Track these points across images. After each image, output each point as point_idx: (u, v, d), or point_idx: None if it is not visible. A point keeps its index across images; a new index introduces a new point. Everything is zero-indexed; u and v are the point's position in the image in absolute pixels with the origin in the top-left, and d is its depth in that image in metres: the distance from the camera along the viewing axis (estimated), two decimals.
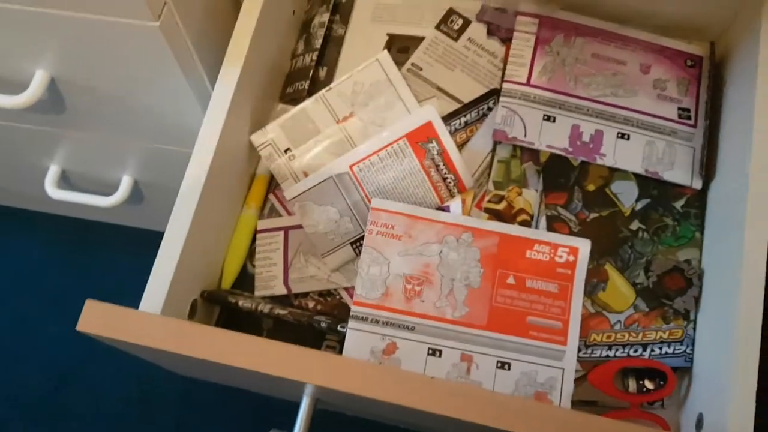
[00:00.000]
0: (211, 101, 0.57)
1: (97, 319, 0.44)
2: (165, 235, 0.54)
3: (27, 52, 0.60)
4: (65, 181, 0.85)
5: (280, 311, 0.58)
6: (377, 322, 0.57)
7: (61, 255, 1.09)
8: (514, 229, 0.59)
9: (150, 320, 0.44)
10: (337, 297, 0.61)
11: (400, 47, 0.69)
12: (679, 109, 0.64)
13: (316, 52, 0.68)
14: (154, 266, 0.53)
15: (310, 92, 0.67)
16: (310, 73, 0.67)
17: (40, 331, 1.05)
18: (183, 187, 0.55)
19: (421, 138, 0.60)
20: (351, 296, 0.61)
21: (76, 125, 0.71)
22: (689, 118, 0.64)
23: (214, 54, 0.63)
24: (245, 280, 0.63)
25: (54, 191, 0.80)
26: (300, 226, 0.62)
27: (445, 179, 0.60)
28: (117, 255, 1.08)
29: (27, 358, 1.03)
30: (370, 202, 0.60)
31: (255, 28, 0.60)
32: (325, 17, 0.69)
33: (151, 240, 1.05)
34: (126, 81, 0.62)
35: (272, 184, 0.66)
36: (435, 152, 0.60)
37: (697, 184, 0.62)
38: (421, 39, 0.69)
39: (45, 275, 1.08)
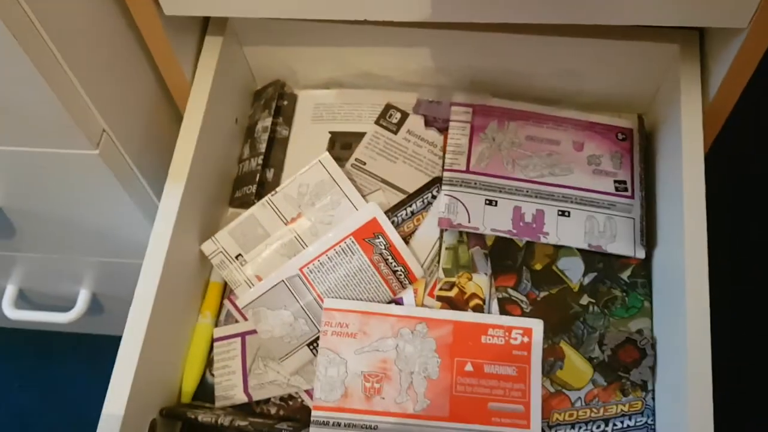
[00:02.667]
0: (158, 216, 0.58)
1: None
2: (117, 357, 0.54)
3: None
4: (22, 299, 0.84)
5: (240, 423, 0.58)
6: (339, 425, 0.56)
7: (22, 369, 1.07)
8: (467, 316, 0.60)
9: None
10: (299, 400, 0.61)
11: (343, 144, 0.71)
12: (615, 182, 0.67)
13: (261, 156, 0.70)
14: (108, 392, 0.53)
15: (259, 195, 0.68)
16: (257, 177, 0.69)
17: None
18: (133, 304, 0.56)
19: (367, 234, 0.61)
20: (312, 398, 0.60)
21: (28, 247, 0.71)
22: (626, 190, 0.66)
23: (158, 168, 0.65)
24: (205, 391, 0.63)
25: (12, 312, 0.79)
26: (257, 331, 0.63)
27: (395, 272, 0.61)
28: (80, 364, 1.06)
29: None
30: (323, 302, 0.60)
31: (197, 140, 0.61)
32: (268, 121, 0.71)
33: (114, 347, 1.04)
34: (72, 204, 0.62)
35: (226, 291, 0.67)
36: (382, 247, 0.61)
37: (640, 254, 0.63)
38: (362, 135, 0.71)
39: (7, 391, 1.05)
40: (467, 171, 0.66)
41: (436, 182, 0.67)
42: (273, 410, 0.61)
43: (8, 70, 0.46)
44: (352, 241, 0.61)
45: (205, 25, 0.67)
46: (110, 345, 1.04)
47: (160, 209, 0.59)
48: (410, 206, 0.66)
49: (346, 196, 0.65)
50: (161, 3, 0.55)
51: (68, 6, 0.50)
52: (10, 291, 0.80)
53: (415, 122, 0.71)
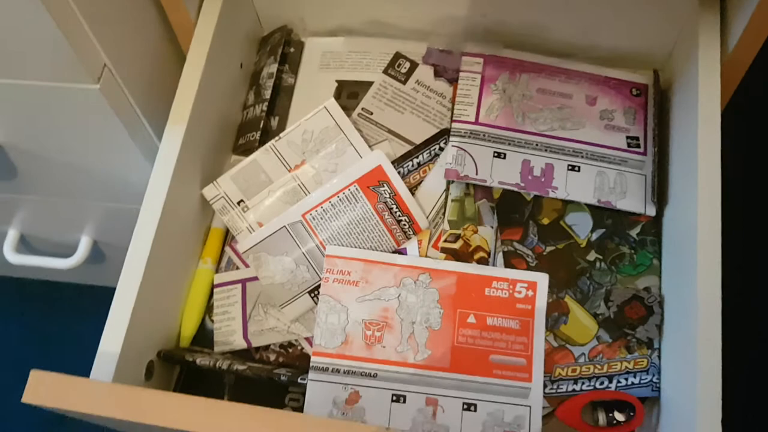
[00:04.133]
0: (158, 159, 0.57)
1: (44, 390, 0.43)
2: (114, 297, 0.53)
3: None
4: (24, 244, 0.83)
5: (239, 367, 0.57)
6: (338, 371, 0.56)
7: (23, 320, 1.07)
8: (471, 268, 0.59)
9: (96, 388, 0.43)
10: (299, 348, 0.60)
11: (350, 93, 0.69)
12: (628, 138, 0.65)
13: (266, 103, 0.68)
14: (105, 330, 0.52)
15: (262, 142, 0.67)
16: (261, 124, 0.67)
17: (3, 401, 1.02)
18: (131, 247, 0.55)
19: (372, 182, 0.60)
20: (311, 345, 0.60)
21: (28, 189, 0.70)
22: (638, 146, 0.65)
23: (160, 109, 0.63)
24: (205, 337, 0.62)
25: (13, 256, 0.78)
26: (257, 278, 0.62)
27: (399, 222, 0.60)
28: (81, 315, 1.06)
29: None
30: (325, 249, 0.59)
31: (199, 83, 0.60)
32: (273, 68, 0.69)
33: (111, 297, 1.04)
34: (73, 143, 0.61)
35: (228, 237, 0.66)
36: (387, 195, 0.60)
37: (651, 211, 0.62)
38: (369, 84, 0.69)
39: (7, 342, 1.05)
40: (476, 122, 0.65)
41: (444, 134, 0.66)
42: (272, 357, 0.60)
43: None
44: (357, 189, 0.60)
45: None
46: (111, 297, 1.04)
47: (160, 152, 0.58)
48: (417, 157, 0.65)
49: (352, 144, 0.64)
50: None
51: None
52: (12, 235, 0.80)
53: (424, 72, 0.69)
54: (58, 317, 1.07)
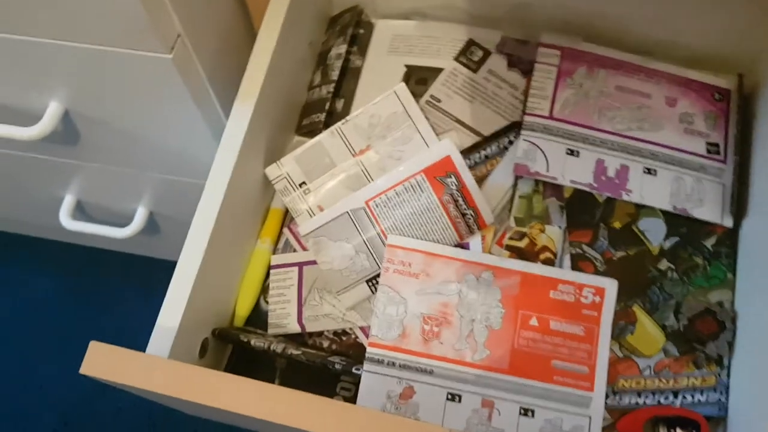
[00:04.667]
0: (224, 136, 0.56)
1: (101, 362, 0.42)
2: (175, 272, 0.52)
3: (40, 84, 0.59)
4: (80, 211, 0.84)
5: (293, 351, 0.56)
6: (393, 364, 0.54)
7: (72, 285, 1.08)
8: (537, 268, 0.57)
9: (155, 364, 0.42)
10: (353, 336, 0.59)
11: (418, 79, 0.67)
12: (708, 144, 0.62)
13: (333, 84, 0.67)
14: (164, 305, 0.51)
15: (327, 124, 0.65)
16: (327, 105, 0.66)
17: (46, 365, 1.03)
18: (194, 222, 0.54)
19: (439, 173, 0.58)
20: (367, 336, 0.58)
21: (90, 157, 0.70)
22: (718, 153, 0.62)
23: (229, 85, 0.62)
24: (258, 317, 0.61)
25: (69, 222, 0.79)
26: (315, 262, 0.61)
27: (464, 215, 0.58)
28: (129, 285, 1.07)
29: (31, 393, 1.02)
30: (386, 238, 0.58)
31: (270, 60, 0.58)
32: (342, 49, 0.68)
33: (165, 270, 1.04)
34: (140, 113, 0.61)
35: (287, 218, 0.65)
36: (454, 187, 0.58)
37: (728, 222, 0.59)
38: (439, 70, 0.67)
39: (55, 306, 1.06)
40: (550, 117, 0.62)
41: (515, 127, 0.63)
42: (325, 344, 0.59)
43: None
44: (423, 178, 0.58)
45: None
46: (162, 268, 1.04)
47: (228, 128, 0.57)
48: (485, 149, 0.63)
49: (419, 132, 0.62)
50: None
51: None
52: (69, 201, 0.80)
53: (497, 62, 0.67)
54: (106, 284, 1.07)
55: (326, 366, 0.55)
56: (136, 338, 1.04)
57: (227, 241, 0.57)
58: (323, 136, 0.62)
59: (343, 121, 0.62)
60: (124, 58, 0.53)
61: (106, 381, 0.43)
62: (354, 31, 0.69)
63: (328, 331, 0.60)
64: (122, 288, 1.07)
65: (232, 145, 0.56)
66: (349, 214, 0.58)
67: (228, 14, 0.61)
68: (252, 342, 0.57)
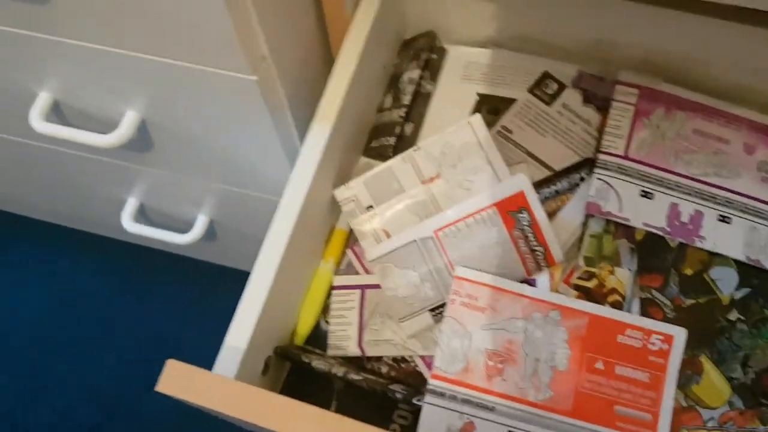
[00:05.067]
0: (301, 154, 0.56)
1: (177, 381, 0.43)
2: (245, 291, 0.53)
3: (122, 93, 0.60)
4: (141, 214, 0.85)
5: (354, 376, 0.56)
6: (455, 398, 0.54)
7: (123, 282, 1.09)
8: (605, 311, 0.56)
9: (234, 388, 0.42)
10: (412, 364, 0.59)
11: (490, 108, 0.67)
12: None
13: (405, 108, 0.67)
14: (233, 323, 0.52)
15: (396, 148, 0.66)
16: (397, 129, 0.66)
17: (92, 359, 1.05)
18: (266, 242, 0.54)
19: (511, 207, 0.58)
20: (426, 365, 0.58)
21: (159, 164, 0.71)
22: None
23: (304, 105, 0.63)
24: (318, 337, 0.62)
25: (130, 224, 0.80)
26: (378, 286, 0.61)
27: (533, 251, 0.58)
28: (177, 285, 1.08)
29: (76, 387, 1.03)
30: (453, 269, 0.58)
31: (348, 85, 0.59)
32: (416, 73, 0.68)
33: (211, 272, 1.05)
34: (216, 127, 0.61)
35: (350, 239, 0.65)
36: (525, 223, 0.58)
37: None
38: (511, 101, 0.67)
39: (103, 301, 1.08)
40: (625, 157, 0.61)
41: (587, 164, 0.63)
42: (384, 369, 0.59)
43: None
44: (495, 212, 0.58)
45: None
46: (210, 271, 1.05)
47: (304, 147, 0.57)
48: (555, 185, 0.62)
49: (491, 163, 0.61)
50: None
51: None
52: (132, 204, 0.81)
53: (572, 96, 0.66)
54: (154, 282, 1.09)
55: (386, 394, 0.55)
56: (180, 338, 1.05)
57: (296, 260, 0.57)
58: (394, 162, 0.62)
59: (415, 147, 0.62)
60: (209, 76, 0.53)
61: (180, 399, 0.43)
62: (427, 56, 0.69)
63: (387, 356, 0.60)
64: (171, 287, 1.08)
65: (308, 164, 0.56)
66: (417, 243, 0.58)
67: (308, 37, 0.62)
68: (313, 363, 0.57)
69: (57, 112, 0.65)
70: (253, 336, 0.51)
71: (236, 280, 1.01)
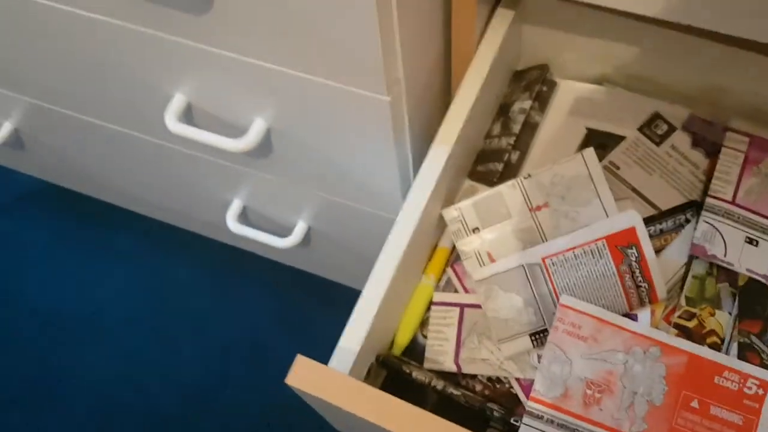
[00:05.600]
0: (419, 176, 0.59)
1: (306, 376, 0.46)
2: (361, 298, 0.56)
3: (254, 102, 0.64)
4: (243, 215, 0.89)
5: (453, 391, 0.58)
6: (552, 422, 0.56)
7: (212, 278, 1.14)
8: (705, 352, 0.57)
9: (359, 388, 0.45)
10: (507, 385, 0.61)
11: (598, 143, 0.69)
12: None
13: (514, 137, 0.69)
14: (347, 327, 0.55)
15: (502, 174, 0.68)
16: (505, 156, 0.68)
17: (178, 351, 1.10)
18: (382, 255, 0.57)
19: (621, 242, 0.59)
20: (521, 387, 0.60)
21: (274, 170, 0.75)
22: None
23: (421, 128, 0.66)
24: (414, 349, 0.64)
25: (235, 225, 0.84)
26: (477, 306, 0.63)
27: (638, 287, 0.59)
28: (264, 288, 1.12)
29: (162, 376, 1.08)
30: (557, 297, 0.59)
31: (468, 113, 0.61)
32: (527, 104, 0.70)
33: (297, 279, 1.09)
34: (338, 142, 0.64)
35: (451, 258, 0.67)
36: (633, 259, 0.59)
37: None
38: (620, 138, 0.68)
39: (194, 296, 1.13)
40: (732, 203, 0.63)
41: (692, 205, 0.64)
42: (478, 387, 0.61)
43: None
44: (604, 245, 0.59)
45: None
46: (295, 277, 1.09)
47: (424, 171, 0.60)
48: (660, 224, 0.64)
49: (599, 197, 0.63)
50: None
51: None
52: (236, 205, 0.85)
53: (681, 138, 0.67)
54: (242, 282, 1.13)
55: (484, 411, 0.57)
56: (264, 341, 1.09)
57: (405, 274, 0.60)
58: (503, 187, 0.65)
59: (526, 174, 0.64)
60: (343, 93, 0.56)
61: (305, 393, 0.46)
62: (539, 87, 0.71)
63: (482, 375, 0.62)
64: (259, 289, 1.12)
65: (425, 186, 0.59)
66: (524, 268, 0.60)
67: (434, 62, 0.65)
68: (413, 374, 0.60)
69: (187, 114, 0.69)
70: (366, 341, 0.54)
71: (322, 288, 1.05)
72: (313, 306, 1.06)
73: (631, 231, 0.59)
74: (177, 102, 0.67)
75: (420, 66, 0.60)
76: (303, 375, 0.46)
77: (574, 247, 0.60)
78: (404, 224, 0.58)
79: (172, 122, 0.66)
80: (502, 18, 0.65)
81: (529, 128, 0.71)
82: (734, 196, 0.63)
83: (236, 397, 1.04)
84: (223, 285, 1.13)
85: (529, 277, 0.60)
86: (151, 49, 0.62)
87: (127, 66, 0.66)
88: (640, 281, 0.59)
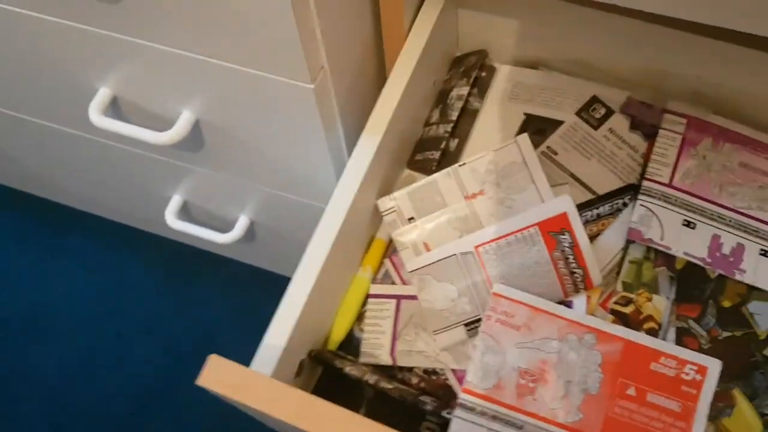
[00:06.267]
0: (348, 166, 0.58)
1: (219, 376, 0.44)
2: (286, 294, 0.54)
3: (180, 94, 0.62)
4: (184, 211, 0.87)
5: (385, 385, 0.57)
6: (485, 414, 0.55)
7: (164, 276, 1.12)
8: (641, 338, 0.56)
9: (275, 388, 0.43)
10: (443, 377, 0.59)
11: (537, 128, 0.68)
12: None
13: (451, 124, 0.68)
14: (272, 323, 0.53)
15: (440, 162, 0.67)
16: (443, 144, 0.67)
17: (130, 351, 1.07)
18: (310, 248, 0.55)
19: (553, 228, 0.58)
20: (457, 378, 0.59)
21: (208, 164, 0.73)
22: None
23: (354, 117, 0.64)
24: (350, 343, 0.63)
25: (174, 221, 0.82)
26: (414, 297, 0.61)
27: (572, 273, 0.58)
28: (216, 284, 1.10)
29: (113, 376, 1.06)
30: (491, 285, 0.58)
31: (399, 99, 0.60)
32: (464, 90, 0.69)
33: (249, 275, 1.07)
34: (267, 132, 0.63)
35: (389, 249, 0.66)
36: (566, 244, 0.58)
37: None
38: (558, 123, 0.67)
39: (146, 295, 1.11)
40: (669, 185, 0.62)
41: (630, 189, 0.63)
42: (414, 380, 0.60)
43: None
44: (536, 232, 0.58)
45: None
46: (245, 272, 1.07)
47: (353, 158, 0.58)
48: (597, 209, 0.63)
49: (534, 183, 0.62)
50: None
51: None
52: (176, 201, 0.83)
53: (619, 122, 0.66)
54: (193, 281, 1.11)
55: (416, 405, 0.56)
56: (216, 336, 1.07)
57: (336, 267, 0.58)
58: (439, 176, 0.63)
59: (460, 162, 0.63)
60: (268, 82, 0.55)
61: (219, 395, 0.44)
62: (476, 73, 0.70)
63: (418, 367, 0.60)
64: (209, 286, 1.10)
65: (355, 174, 0.57)
66: (457, 257, 0.59)
67: (364, 50, 0.63)
68: (346, 369, 0.58)
69: (115, 108, 0.67)
70: (291, 337, 0.53)
71: (274, 283, 1.03)
72: (265, 301, 1.04)
73: (563, 216, 0.58)
74: (102, 96, 0.65)
75: (348, 53, 0.59)
76: (216, 375, 0.44)
77: (507, 235, 0.59)
78: (332, 215, 0.56)
79: (96, 116, 0.64)
80: (434, 2, 0.63)
81: (468, 115, 0.70)
82: (671, 178, 0.62)
83: (190, 396, 1.02)
84: (174, 283, 1.11)
85: (462, 266, 0.59)
86: (71, 41, 0.60)
87: (50, 59, 0.64)
88: (574, 267, 0.58)
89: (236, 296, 1.08)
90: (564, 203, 0.58)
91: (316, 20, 0.50)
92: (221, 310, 1.08)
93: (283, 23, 0.48)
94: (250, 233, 0.86)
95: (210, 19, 0.51)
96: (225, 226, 0.83)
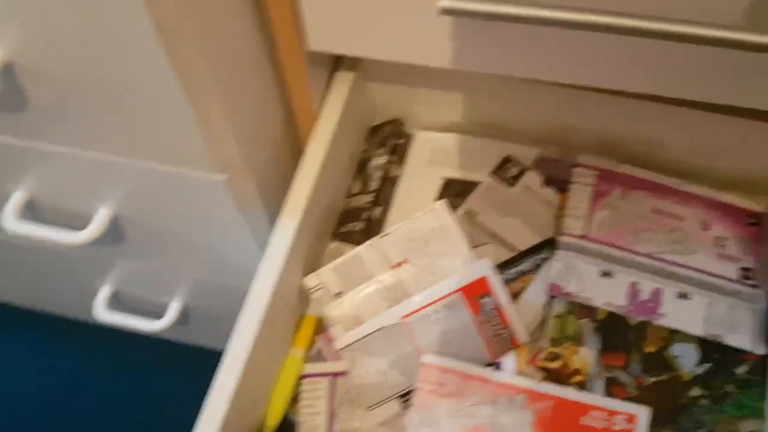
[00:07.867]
0: (270, 247, 0.58)
1: None
2: (216, 378, 0.53)
3: (93, 192, 0.61)
4: (116, 300, 0.85)
5: None
6: None
7: (105, 367, 1.09)
8: (570, 393, 0.57)
9: None
10: None
11: (456, 191, 0.69)
12: (741, 269, 0.63)
13: (373, 194, 0.69)
14: (204, 410, 0.52)
15: (365, 231, 0.67)
16: (365, 215, 0.68)
17: None
18: (235, 335, 0.55)
19: (476, 292, 0.59)
20: None
21: (132, 256, 0.72)
22: (750, 278, 0.62)
23: (276, 197, 0.64)
24: (287, 428, 0.62)
25: (103, 313, 0.80)
26: (347, 373, 0.61)
27: (498, 335, 0.59)
28: (154, 367, 1.08)
29: None
30: (420, 355, 0.58)
31: (316, 175, 0.61)
32: (383, 159, 0.70)
33: (185, 353, 1.05)
34: (187, 222, 0.63)
35: (321, 326, 0.66)
36: (490, 307, 0.59)
37: (760, 350, 0.59)
38: (476, 184, 0.69)
39: (85, 387, 1.07)
40: (585, 237, 0.63)
41: (549, 244, 0.65)
42: None
43: (155, 89, 0.46)
44: (460, 297, 0.59)
45: (336, 59, 0.66)
46: (184, 352, 1.05)
47: (273, 241, 0.58)
48: (519, 266, 0.64)
49: (456, 248, 0.63)
50: (308, 39, 0.54)
51: (221, 29, 0.50)
52: (105, 292, 0.82)
53: (532, 179, 0.68)
54: (131, 365, 1.09)
55: None
56: (158, 419, 1.04)
57: (265, 351, 0.58)
58: (362, 249, 0.64)
59: (382, 234, 0.64)
60: (178, 176, 0.55)
61: None
62: (394, 142, 0.72)
63: None
64: (148, 369, 1.08)
65: (276, 256, 0.58)
66: (385, 330, 0.59)
67: (277, 132, 0.64)
68: None
69: (31, 209, 0.66)
70: (223, 427, 0.52)
71: (214, 360, 1.02)
72: (207, 381, 1.03)
73: (483, 281, 0.59)
74: (16, 199, 0.64)
75: (260, 139, 0.59)
76: None
77: (432, 302, 0.59)
78: (256, 300, 0.56)
79: (11, 222, 0.63)
80: (342, 80, 0.65)
81: (389, 183, 0.71)
82: (586, 230, 0.64)
83: None
84: (117, 371, 1.08)
85: (391, 338, 0.59)
86: None
87: None
88: (499, 329, 0.59)
89: (182, 379, 1.06)
90: (483, 267, 0.59)
91: (219, 112, 0.51)
92: (168, 394, 1.05)
93: (183, 119, 0.49)
94: (183, 317, 0.85)
95: (112, 119, 0.51)
96: (159, 310, 0.82)
